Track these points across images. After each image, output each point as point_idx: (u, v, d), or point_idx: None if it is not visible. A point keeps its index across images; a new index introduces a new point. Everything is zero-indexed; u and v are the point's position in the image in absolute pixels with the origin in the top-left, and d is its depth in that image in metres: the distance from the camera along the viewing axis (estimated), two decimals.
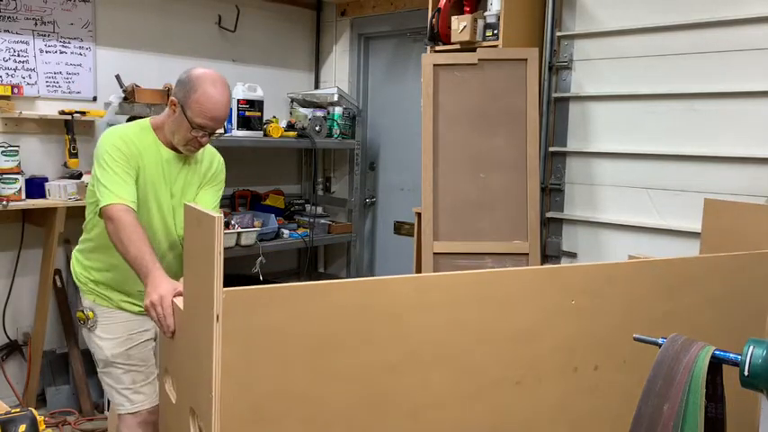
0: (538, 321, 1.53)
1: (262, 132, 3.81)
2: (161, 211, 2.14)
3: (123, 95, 3.30)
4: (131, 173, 2.03)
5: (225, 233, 1.33)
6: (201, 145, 2.09)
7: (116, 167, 1.99)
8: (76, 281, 2.24)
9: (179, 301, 1.48)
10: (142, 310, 1.83)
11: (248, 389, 1.23)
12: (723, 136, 2.81)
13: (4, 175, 3.10)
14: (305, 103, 4.32)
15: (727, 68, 2.78)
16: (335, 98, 4.21)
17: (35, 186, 3.24)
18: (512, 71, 3.04)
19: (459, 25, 3.19)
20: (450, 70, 3.09)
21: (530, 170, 3.01)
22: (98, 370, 2.27)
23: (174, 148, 2.13)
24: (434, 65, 3.08)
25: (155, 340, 2.24)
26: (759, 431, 1.93)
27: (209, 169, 2.25)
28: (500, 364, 1.50)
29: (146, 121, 2.16)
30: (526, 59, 3.03)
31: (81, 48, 3.53)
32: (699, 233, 2.15)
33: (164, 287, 1.65)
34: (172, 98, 2.05)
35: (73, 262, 2.27)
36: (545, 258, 3.35)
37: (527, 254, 2.99)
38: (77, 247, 2.27)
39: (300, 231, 4.05)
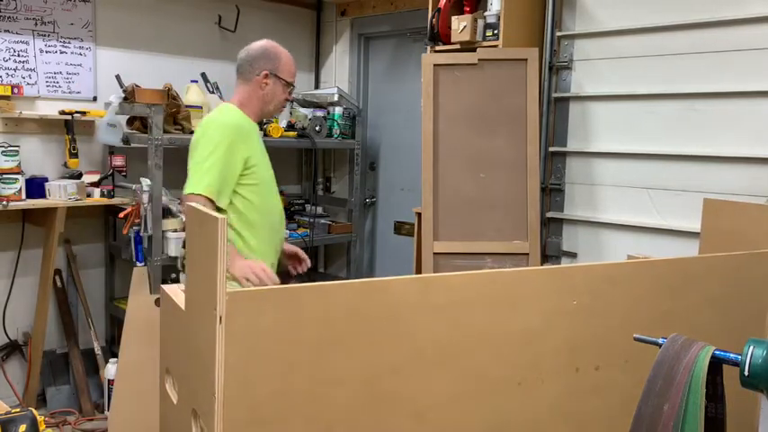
0: (540, 322, 1.53)
1: (262, 132, 3.81)
2: (273, 187, 2.42)
3: (123, 95, 3.30)
4: (238, 165, 2.22)
5: None
6: (288, 101, 2.45)
7: (224, 157, 2.18)
8: None
9: (180, 301, 1.48)
10: None
11: (251, 390, 1.23)
12: (723, 136, 2.82)
13: (5, 175, 3.10)
14: (305, 103, 4.32)
15: (727, 68, 2.79)
16: (335, 98, 4.21)
17: (35, 186, 3.24)
18: (512, 71, 3.04)
19: (460, 25, 3.20)
20: (451, 70, 3.09)
21: (530, 170, 3.01)
22: None
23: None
24: (435, 65, 3.08)
25: None
26: (759, 431, 1.93)
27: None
28: (502, 364, 1.50)
29: (231, 106, 2.35)
30: (526, 59, 3.03)
31: (81, 48, 3.53)
32: (698, 233, 2.16)
33: (255, 262, 2.12)
34: (264, 72, 2.31)
35: None
36: (545, 258, 3.35)
37: (527, 254, 2.99)
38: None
39: (300, 231, 4.05)
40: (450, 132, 3.07)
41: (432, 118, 3.05)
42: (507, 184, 3.03)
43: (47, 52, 3.42)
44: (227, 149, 2.18)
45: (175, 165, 3.82)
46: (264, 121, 3.87)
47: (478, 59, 3.05)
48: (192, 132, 3.50)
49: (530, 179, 3.01)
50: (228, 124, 2.25)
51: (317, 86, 4.67)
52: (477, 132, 3.06)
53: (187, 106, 3.55)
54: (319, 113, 4.15)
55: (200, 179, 2.14)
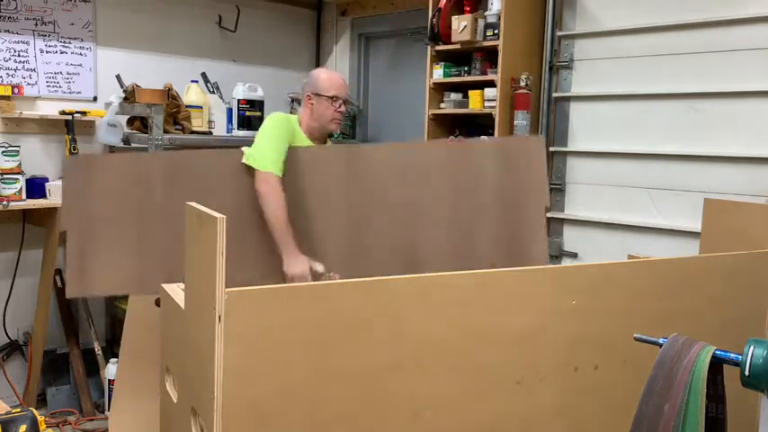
0: (538, 321, 1.53)
1: None
2: None
3: (124, 95, 3.30)
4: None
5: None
6: (343, 114, 2.53)
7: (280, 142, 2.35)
8: None
9: (180, 300, 1.48)
10: None
11: (249, 389, 1.23)
12: (723, 136, 2.82)
13: (5, 176, 3.10)
14: None
15: (727, 68, 2.79)
16: None
17: (36, 186, 3.25)
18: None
19: (460, 25, 3.20)
20: None
21: None
22: None
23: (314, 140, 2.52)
24: None
25: None
26: (759, 431, 1.93)
27: None
28: (500, 363, 1.50)
29: (294, 117, 2.54)
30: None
31: (81, 48, 3.53)
32: (699, 233, 2.15)
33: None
34: (306, 95, 2.50)
35: None
36: None
37: None
38: None
39: None
40: None
41: None
42: None
43: (47, 52, 3.42)
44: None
45: None
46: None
47: None
48: (192, 132, 3.52)
49: None
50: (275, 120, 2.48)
51: None
52: None
53: (187, 106, 3.55)
54: None
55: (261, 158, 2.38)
